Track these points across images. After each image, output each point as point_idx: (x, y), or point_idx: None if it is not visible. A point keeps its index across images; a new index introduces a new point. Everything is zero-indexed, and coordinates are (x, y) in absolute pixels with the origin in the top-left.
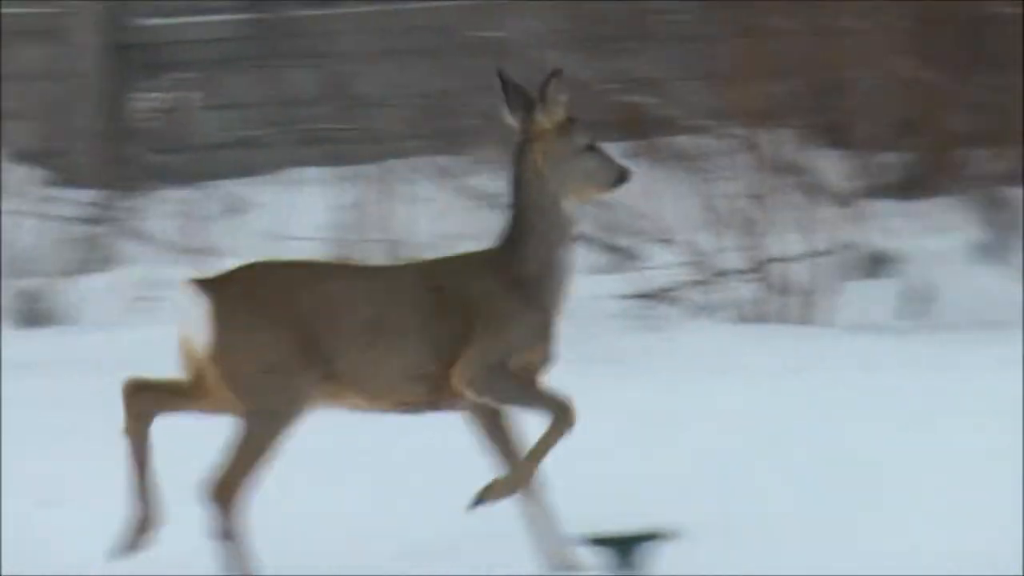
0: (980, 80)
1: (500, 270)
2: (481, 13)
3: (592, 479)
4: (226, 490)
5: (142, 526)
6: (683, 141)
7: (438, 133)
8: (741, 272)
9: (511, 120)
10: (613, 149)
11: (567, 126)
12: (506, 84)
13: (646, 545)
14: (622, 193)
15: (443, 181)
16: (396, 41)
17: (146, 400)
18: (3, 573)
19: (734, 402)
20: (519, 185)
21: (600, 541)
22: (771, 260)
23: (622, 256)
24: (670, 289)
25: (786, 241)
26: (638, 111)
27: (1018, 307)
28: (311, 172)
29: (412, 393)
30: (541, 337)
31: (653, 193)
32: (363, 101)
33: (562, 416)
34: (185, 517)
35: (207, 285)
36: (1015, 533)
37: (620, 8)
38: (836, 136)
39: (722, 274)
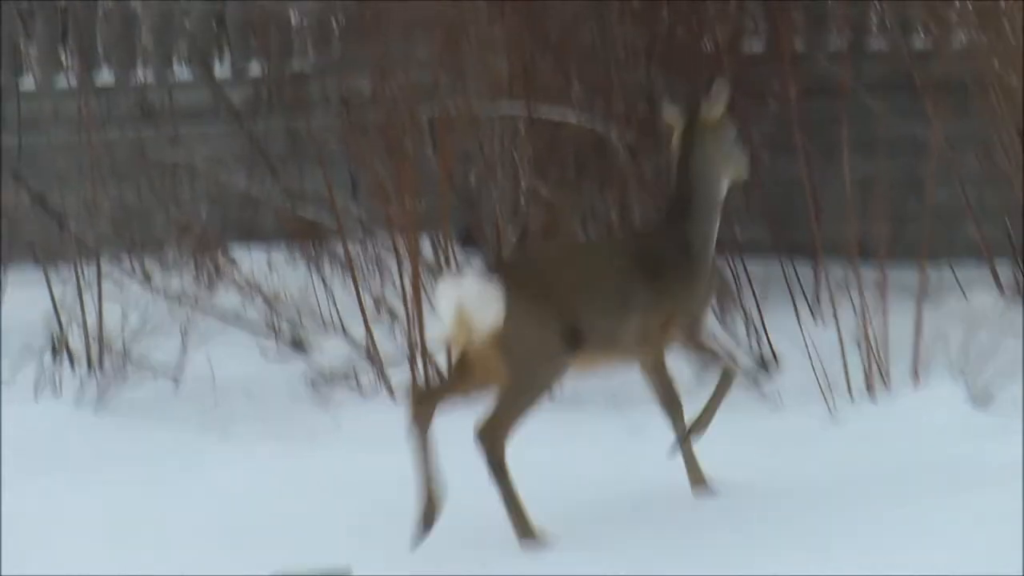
0: (591, 193)
1: (678, 244)
2: (170, 141)
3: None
4: (492, 432)
5: (429, 512)
6: (346, 248)
7: (135, 241)
8: (403, 358)
9: (672, 115)
10: (286, 254)
11: (725, 119)
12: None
13: None
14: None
15: (140, 282)
16: (101, 163)
17: (427, 405)
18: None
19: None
20: (689, 171)
21: None
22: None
23: (296, 345)
24: (340, 373)
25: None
26: (308, 222)
27: None
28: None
29: (640, 351)
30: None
31: (321, 291)
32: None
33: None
34: None
35: (497, 273)
36: None
37: (284, 134)
38: (471, 239)
39: (385, 360)
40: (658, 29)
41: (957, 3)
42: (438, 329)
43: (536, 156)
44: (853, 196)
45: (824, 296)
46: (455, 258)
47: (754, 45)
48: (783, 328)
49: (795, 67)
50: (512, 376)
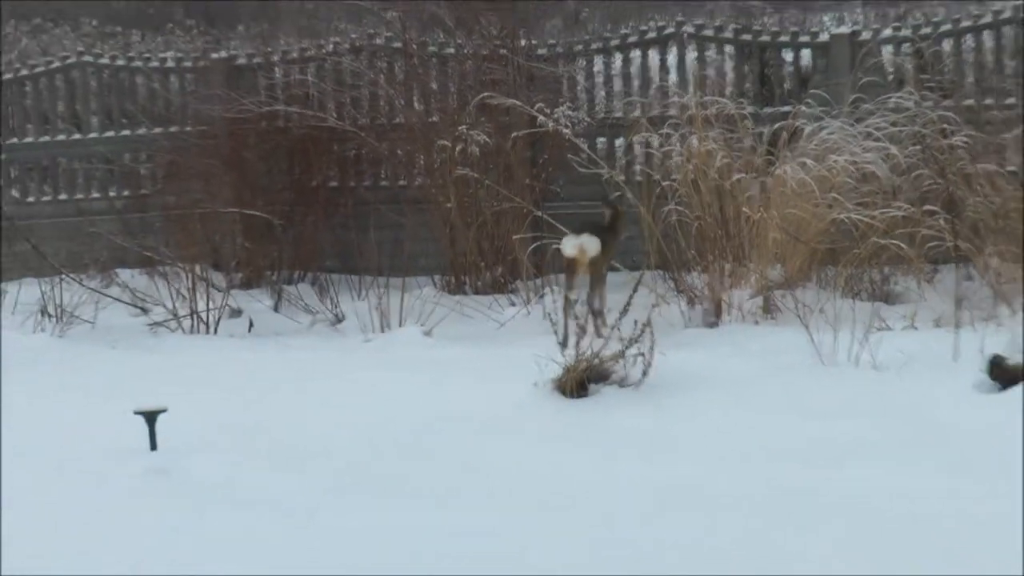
0: None
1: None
2: None
3: None
4: (594, 294)
5: (565, 341)
6: None
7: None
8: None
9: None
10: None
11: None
12: None
13: None
14: None
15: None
16: None
17: (570, 290)
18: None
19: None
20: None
21: None
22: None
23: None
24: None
25: None
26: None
27: None
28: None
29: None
30: None
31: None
32: None
33: None
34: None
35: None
36: None
37: None
38: None
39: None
40: None
41: None
42: (567, 252)
43: None
44: None
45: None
46: None
47: None
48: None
49: None
50: (597, 271)
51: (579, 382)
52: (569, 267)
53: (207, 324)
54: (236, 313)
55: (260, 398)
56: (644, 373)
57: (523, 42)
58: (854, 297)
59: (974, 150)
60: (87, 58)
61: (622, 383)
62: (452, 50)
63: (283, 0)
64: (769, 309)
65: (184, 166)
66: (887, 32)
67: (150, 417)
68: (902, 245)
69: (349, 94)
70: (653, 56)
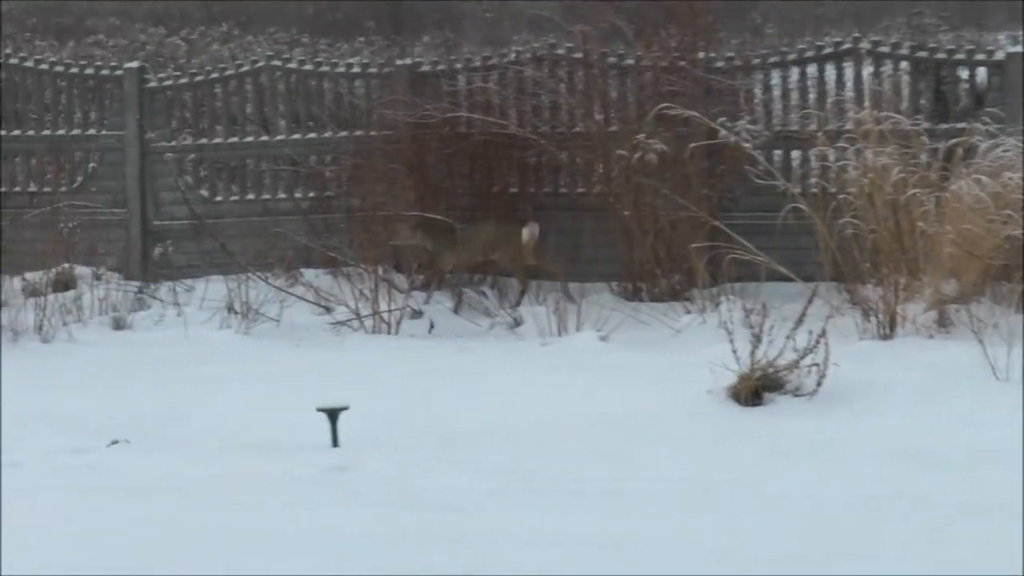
0: None
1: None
2: None
3: None
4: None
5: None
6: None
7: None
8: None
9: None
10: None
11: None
12: None
13: None
14: None
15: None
16: None
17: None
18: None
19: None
20: None
21: None
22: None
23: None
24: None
25: None
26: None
27: None
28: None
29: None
30: None
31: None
32: None
33: None
34: None
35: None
36: None
37: None
38: None
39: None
40: None
41: None
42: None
43: None
44: None
45: None
46: None
47: None
48: None
49: None
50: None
51: (753, 390)
52: None
53: (388, 324)
54: (417, 314)
55: (438, 398)
56: (818, 383)
57: (701, 55)
58: None
59: None
60: (276, 62)
61: (796, 392)
62: (631, 61)
63: (468, 1)
64: (943, 323)
65: (368, 169)
66: None
67: (332, 414)
68: None
69: (530, 102)
70: (829, 71)
